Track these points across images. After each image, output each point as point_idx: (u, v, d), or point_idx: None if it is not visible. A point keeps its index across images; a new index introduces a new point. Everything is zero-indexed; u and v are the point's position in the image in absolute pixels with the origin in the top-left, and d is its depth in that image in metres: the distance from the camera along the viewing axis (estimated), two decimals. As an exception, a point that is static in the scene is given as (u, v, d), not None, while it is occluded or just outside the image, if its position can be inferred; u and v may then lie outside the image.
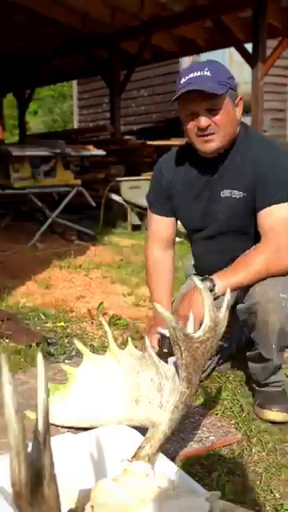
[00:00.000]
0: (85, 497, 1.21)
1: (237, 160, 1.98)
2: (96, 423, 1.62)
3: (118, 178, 6.71)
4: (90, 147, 6.39)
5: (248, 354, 2.03)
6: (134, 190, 6.43)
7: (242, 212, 1.98)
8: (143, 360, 1.60)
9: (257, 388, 2.05)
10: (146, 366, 1.59)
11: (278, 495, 1.58)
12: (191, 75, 1.84)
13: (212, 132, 1.88)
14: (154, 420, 1.47)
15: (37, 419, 0.89)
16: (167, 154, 2.19)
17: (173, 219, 2.18)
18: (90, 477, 1.39)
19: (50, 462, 0.89)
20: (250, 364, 2.04)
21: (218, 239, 2.09)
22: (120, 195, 6.74)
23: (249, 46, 7.03)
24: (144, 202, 6.32)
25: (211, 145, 1.91)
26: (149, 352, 1.57)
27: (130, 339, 1.68)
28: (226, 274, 1.86)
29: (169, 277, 2.19)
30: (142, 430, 1.48)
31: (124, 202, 6.69)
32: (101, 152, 6.41)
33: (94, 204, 5.79)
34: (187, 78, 1.84)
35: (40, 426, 0.88)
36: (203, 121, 1.86)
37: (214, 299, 1.79)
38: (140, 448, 1.34)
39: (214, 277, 1.84)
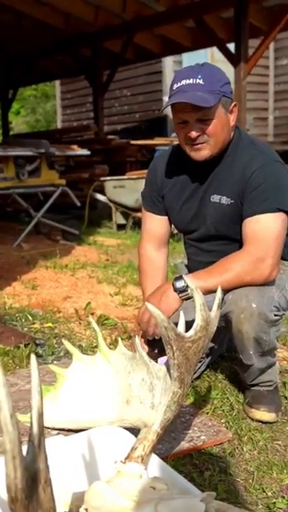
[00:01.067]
0: (78, 499, 1.20)
1: (228, 165, 1.95)
2: (87, 424, 1.61)
3: (103, 178, 6.69)
4: (75, 147, 6.37)
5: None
6: (119, 189, 6.41)
7: (230, 218, 1.95)
8: (134, 360, 1.59)
9: (247, 386, 2.05)
10: (137, 366, 1.58)
11: (270, 494, 1.58)
12: (183, 82, 1.80)
13: (202, 142, 1.85)
14: (145, 420, 1.46)
15: (31, 422, 0.88)
16: (163, 152, 2.17)
17: (166, 218, 2.16)
18: (82, 479, 1.37)
19: (45, 466, 0.88)
20: (237, 367, 2.04)
21: (208, 242, 2.07)
22: (105, 195, 6.72)
23: (231, 46, 7.06)
24: (128, 202, 6.39)
25: (201, 153, 1.88)
26: (139, 352, 1.55)
27: (120, 339, 1.67)
28: (199, 276, 1.83)
29: (162, 276, 2.19)
30: (134, 431, 1.47)
31: (109, 202, 6.67)
32: (85, 152, 6.38)
33: (78, 204, 5.77)
34: (179, 84, 1.81)
35: (34, 430, 0.87)
36: (193, 133, 1.83)
37: (186, 299, 1.80)
38: (133, 449, 1.33)
39: (188, 277, 1.81)
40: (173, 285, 1.82)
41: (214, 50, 9.59)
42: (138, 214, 6.37)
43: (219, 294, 1.49)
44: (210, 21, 7.35)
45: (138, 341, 1.58)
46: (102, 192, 6.81)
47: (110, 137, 8.41)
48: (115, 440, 1.45)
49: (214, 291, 1.62)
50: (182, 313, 1.58)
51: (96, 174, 7.08)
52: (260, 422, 1.96)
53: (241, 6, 6.59)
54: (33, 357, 0.92)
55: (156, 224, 2.17)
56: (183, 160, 2.02)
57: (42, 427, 0.88)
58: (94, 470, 1.41)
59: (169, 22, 7.58)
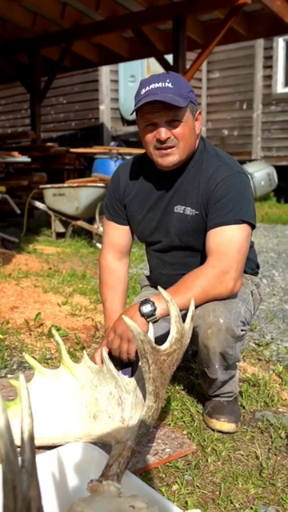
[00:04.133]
0: (55, 523, 1.15)
1: (192, 176, 1.93)
2: (52, 441, 1.55)
3: (42, 186, 6.57)
4: (15, 153, 6.22)
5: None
6: (59, 197, 6.31)
7: (193, 229, 1.93)
8: (101, 374, 1.55)
9: (207, 397, 2.05)
10: (104, 379, 1.54)
11: (238, 505, 1.57)
12: (152, 86, 1.78)
13: (171, 145, 1.82)
14: (116, 436, 1.42)
15: (22, 447, 0.82)
16: (126, 162, 2.13)
17: (128, 228, 2.12)
18: (54, 499, 1.32)
19: (37, 494, 0.83)
20: (200, 379, 2.03)
21: (171, 253, 2.04)
22: (43, 202, 6.61)
23: (168, 58, 7.16)
24: (68, 210, 6.31)
25: (170, 159, 1.85)
26: (107, 365, 1.52)
27: (85, 352, 1.62)
28: None
29: (123, 286, 2.14)
30: (105, 446, 1.43)
31: (48, 210, 6.56)
32: (26, 158, 6.25)
33: (18, 211, 5.63)
34: (148, 88, 1.78)
35: (27, 455, 0.81)
36: (163, 133, 1.79)
37: (153, 322, 1.73)
38: (107, 467, 1.29)
39: (155, 299, 1.77)
40: (139, 310, 1.76)
41: (150, 60, 9.72)
42: (78, 223, 6.30)
43: (192, 306, 1.48)
44: (148, 32, 7.43)
45: (105, 354, 1.54)
46: (41, 200, 6.70)
47: (48, 144, 8.29)
48: (87, 457, 1.41)
49: (181, 310, 1.58)
50: (151, 326, 1.55)
51: (34, 181, 6.95)
52: (220, 432, 1.96)
53: (179, 18, 6.69)
54: (21, 376, 0.87)
55: (117, 234, 2.13)
56: (147, 169, 2.00)
57: (34, 452, 0.82)
58: (66, 489, 1.35)
59: (107, 31, 7.59)
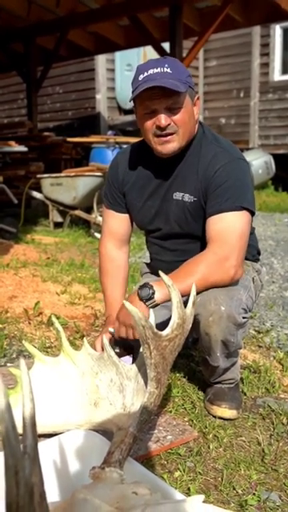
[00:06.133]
0: (58, 510, 1.13)
1: (191, 162, 1.90)
2: (53, 428, 1.54)
3: (39, 175, 6.53)
4: (12, 143, 6.18)
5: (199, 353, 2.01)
6: (56, 187, 6.27)
7: (193, 216, 1.91)
8: (101, 360, 1.54)
9: (209, 383, 2.04)
10: (105, 366, 1.53)
11: (240, 491, 1.57)
12: (151, 71, 1.73)
13: (171, 132, 1.79)
14: (117, 422, 1.41)
15: (24, 433, 0.81)
16: (124, 149, 2.10)
17: (128, 216, 2.10)
18: (56, 487, 1.31)
19: (40, 479, 0.81)
20: (201, 365, 2.02)
21: (171, 240, 2.02)
22: (41, 192, 6.57)
23: (165, 46, 7.10)
24: (66, 199, 6.27)
25: (170, 146, 1.81)
26: (108, 352, 1.50)
27: (85, 339, 1.61)
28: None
29: (123, 274, 2.13)
30: (106, 433, 1.41)
31: (45, 200, 6.53)
32: (23, 148, 6.21)
33: (16, 201, 5.60)
34: (147, 74, 1.73)
35: (29, 441, 0.80)
36: (163, 119, 1.75)
37: (153, 307, 1.73)
38: (109, 453, 1.27)
39: (154, 283, 1.75)
40: (138, 294, 1.74)
41: (147, 49, 9.64)
42: (76, 212, 6.27)
43: (194, 291, 1.46)
44: (145, 20, 7.36)
45: (106, 341, 1.52)
46: (38, 189, 6.66)
47: (45, 134, 8.24)
48: (88, 444, 1.40)
49: (182, 296, 1.55)
50: (151, 311, 1.54)
51: (31, 171, 6.91)
52: (221, 418, 1.95)
53: (175, 5, 6.63)
54: (22, 361, 0.85)
55: (117, 222, 2.11)
56: (145, 157, 1.97)
57: (36, 438, 0.81)
58: (68, 476, 1.34)
59: (103, 19, 7.53)
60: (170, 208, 1.94)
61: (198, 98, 1.87)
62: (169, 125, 1.77)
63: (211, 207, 1.83)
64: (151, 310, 1.64)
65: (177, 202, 1.92)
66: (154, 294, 1.73)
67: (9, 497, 0.71)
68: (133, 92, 1.77)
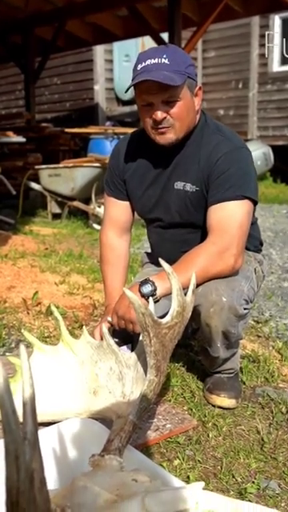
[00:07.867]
0: (57, 497, 1.13)
1: (192, 152, 1.88)
2: (52, 417, 1.54)
3: (38, 166, 6.51)
4: (10, 133, 6.14)
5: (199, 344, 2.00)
6: (54, 177, 6.25)
7: (194, 206, 1.89)
8: (101, 349, 1.53)
9: (208, 373, 2.03)
10: (105, 355, 1.52)
11: (239, 479, 1.57)
12: (148, 62, 1.71)
13: (167, 126, 1.77)
14: (117, 411, 1.40)
15: (24, 418, 0.80)
16: (125, 137, 2.09)
17: (129, 203, 2.08)
18: (55, 474, 1.31)
19: (40, 465, 0.81)
20: (200, 355, 2.01)
21: (172, 230, 2.00)
22: (39, 183, 6.55)
23: (164, 36, 7.05)
24: (64, 190, 6.25)
25: (166, 137, 1.80)
26: (107, 340, 1.50)
27: (84, 328, 1.60)
28: (164, 276, 1.70)
29: (124, 264, 2.11)
30: (105, 421, 1.41)
31: (44, 191, 6.50)
32: (21, 139, 6.17)
33: (14, 192, 5.58)
34: (144, 64, 1.71)
35: (29, 426, 0.79)
36: (159, 114, 1.74)
37: (155, 302, 1.68)
38: (109, 441, 1.27)
39: (155, 278, 1.74)
40: (140, 291, 1.71)
41: (145, 39, 9.58)
42: (74, 203, 6.25)
43: (193, 280, 1.45)
44: (143, 10, 7.31)
45: (105, 329, 1.52)
46: (36, 180, 6.64)
47: (43, 125, 8.21)
48: (87, 432, 1.39)
49: (183, 288, 1.54)
50: (151, 301, 1.53)
51: (29, 162, 6.88)
52: (221, 408, 1.95)
53: (173, -4, 6.59)
54: (22, 347, 0.85)
55: (118, 210, 2.09)
56: (146, 144, 1.94)
57: (36, 423, 0.80)
58: (67, 464, 1.34)
59: (101, 9, 7.46)
60: (171, 198, 1.93)
61: (199, 88, 1.84)
62: (164, 118, 1.76)
63: (212, 196, 1.81)
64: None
65: (178, 191, 1.91)
66: (155, 290, 1.71)
67: (9, 482, 0.70)
68: (132, 80, 1.75)
